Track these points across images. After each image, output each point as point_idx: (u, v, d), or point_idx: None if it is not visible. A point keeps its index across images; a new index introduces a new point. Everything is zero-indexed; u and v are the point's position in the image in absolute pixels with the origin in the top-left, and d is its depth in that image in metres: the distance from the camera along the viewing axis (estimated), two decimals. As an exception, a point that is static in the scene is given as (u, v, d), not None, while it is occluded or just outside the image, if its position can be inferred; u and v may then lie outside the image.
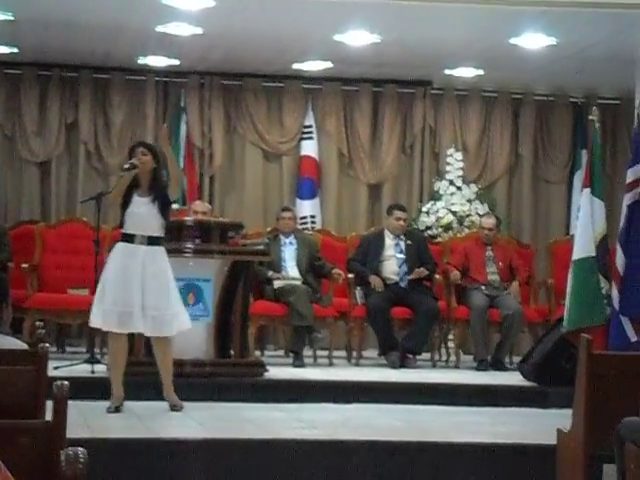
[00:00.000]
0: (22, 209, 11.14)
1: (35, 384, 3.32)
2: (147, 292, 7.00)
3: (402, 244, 9.84)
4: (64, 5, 8.84)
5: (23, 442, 1.88)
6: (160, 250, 7.14)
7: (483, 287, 9.80)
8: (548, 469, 5.67)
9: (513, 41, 9.55)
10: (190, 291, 8.15)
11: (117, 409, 7.07)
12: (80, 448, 2.09)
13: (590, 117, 8.06)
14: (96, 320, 7.10)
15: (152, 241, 7.09)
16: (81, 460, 2.04)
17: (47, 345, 3.95)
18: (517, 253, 10.27)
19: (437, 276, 9.85)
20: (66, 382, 2.83)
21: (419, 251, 9.84)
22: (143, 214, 7.05)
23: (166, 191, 7.19)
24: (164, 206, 7.12)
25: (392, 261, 9.77)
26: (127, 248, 7.08)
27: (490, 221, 10.12)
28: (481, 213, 11.23)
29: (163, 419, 7.01)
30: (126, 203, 7.10)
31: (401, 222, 9.89)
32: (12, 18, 9.27)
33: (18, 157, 11.20)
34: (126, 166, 7.14)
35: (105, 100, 11.31)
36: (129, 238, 7.09)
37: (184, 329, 7.20)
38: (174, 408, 7.17)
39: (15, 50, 10.58)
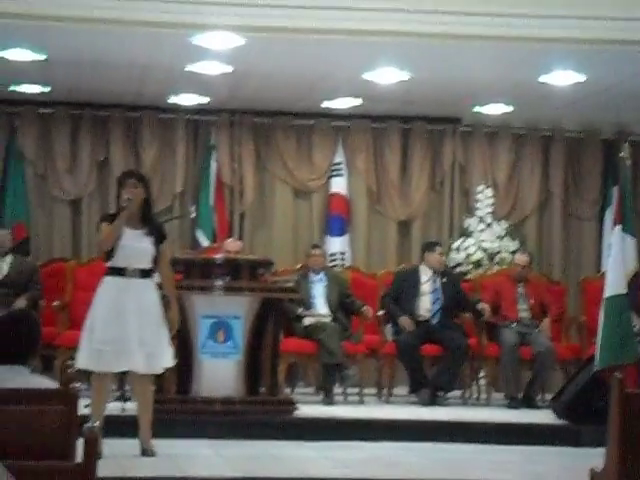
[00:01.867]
0: (54, 247, 11.21)
1: (66, 424, 3.31)
2: (144, 326, 6.71)
3: (438, 281, 9.82)
4: (95, 45, 8.93)
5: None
6: (152, 283, 6.87)
7: (514, 324, 9.75)
8: (581, 509, 5.61)
9: (542, 78, 9.56)
10: (220, 328, 8.16)
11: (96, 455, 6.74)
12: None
13: (621, 154, 8.03)
14: (85, 361, 6.72)
15: (144, 274, 6.82)
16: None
17: (78, 385, 3.95)
18: (548, 290, 10.23)
19: (467, 314, 9.83)
20: (97, 423, 2.83)
21: (454, 289, 9.82)
22: (137, 247, 6.76)
23: (160, 224, 7.06)
24: (160, 240, 6.86)
25: (427, 297, 9.75)
26: (118, 282, 6.77)
27: (524, 258, 10.09)
28: (511, 250, 11.21)
29: (193, 458, 7.00)
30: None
31: (443, 258, 9.90)
32: (45, 58, 9.37)
33: (50, 195, 11.29)
34: (124, 204, 6.79)
35: (136, 138, 11.40)
36: (120, 271, 6.77)
37: (169, 366, 6.96)
38: (146, 452, 6.79)
39: (47, 89, 10.70)
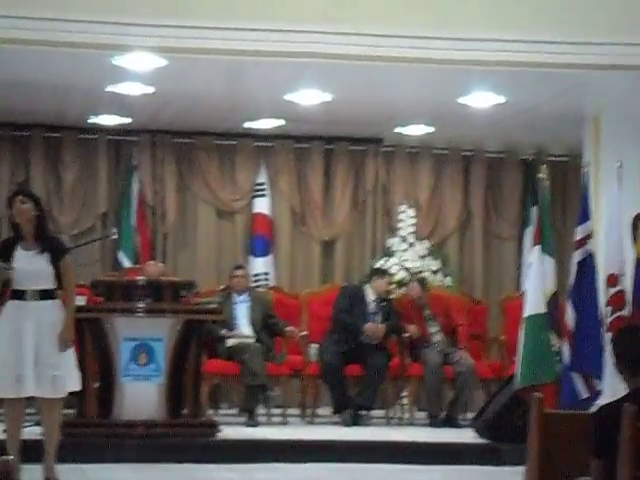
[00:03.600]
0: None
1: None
2: (43, 350, 6.56)
3: (379, 305, 9.89)
4: (14, 65, 8.83)
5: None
6: (54, 304, 6.69)
7: (437, 344, 9.84)
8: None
9: (461, 100, 9.66)
10: (142, 351, 8.11)
11: None
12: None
13: (539, 175, 8.14)
14: None
15: (44, 295, 6.66)
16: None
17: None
18: (454, 305, 10.29)
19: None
20: (12, 457, 2.78)
21: (391, 313, 9.89)
22: (32, 268, 6.62)
23: (56, 239, 6.93)
24: (57, 255, 6.67)
25: (375, 319, 9.80)
26: (18, 305, 6.61)
27: (415, 289, 10.13)
28: (433, 269, 11.30)
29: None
30: (8, 257, 6.63)
31: (390, 287, 10.09)
32: (-37, 78, 9.25)
33: (-33, 217, 11.11)
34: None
35: (57, 159, 11.28)
36: (20, 294, 6.62)
37: (75, 390, 6.81)
38: None
39: (-34, 109, 10.56)
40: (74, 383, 6.73)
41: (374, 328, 9.67)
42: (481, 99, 9.67)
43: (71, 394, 7.00)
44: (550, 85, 9.14)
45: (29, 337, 6.56)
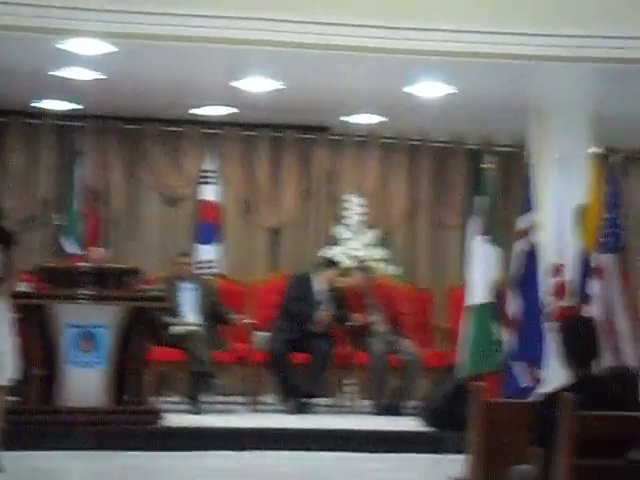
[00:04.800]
0: None
1: None
2: None
3: (326, 294, 9.89)
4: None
5: None
6: (3, 291, 6.71)
7: (380, 333, 9.89)
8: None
9: (407, 89, 9.68)
10: (85, 338, 8.07)
11: None
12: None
13: (485, 165, 8.19)
14: None
15: None
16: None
17: None
18: (398, 294, 10.32)
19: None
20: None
21: (339, 302, 9.90)
22: None
23: (6, 229, 6.88)
24: (8, 246, 6.69)
25: (322, 308, 9.81)
26: None
27: (357, 279, 10.16)
28: (379, 258, 11.34)
29: (57, 470, 6.89)
30: None
31: (338, 279, 10.04)
32: None
33: None
34: None
35: (1, 143, 11.16)
36: None
37: (15, 378, 6.79)
38: None
39: None
40: (15, 371, 6.67)
41: (324, 317, 9.69)
42: (429, 89, 9.69)
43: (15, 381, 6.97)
44: (497, 76, 9.18)
45: None
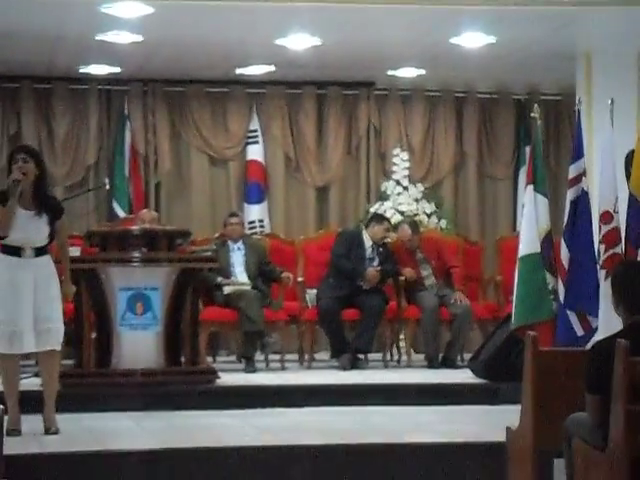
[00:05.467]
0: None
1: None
2: (40, 304, 6.57)
3: (376, 250, 9.87)
4: (4, 15, 8.77)
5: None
6: (48, 260, 6.71)
7: (431, 287, 9.87)
8: (499, 466, 5.70)
9: (453, 40, 9.60)
10: (138, 300, 8.12)
11: (15, 431, 6.56)
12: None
13: (532, 114, 8.10)
14: None
15: (39, 252, 6.63)
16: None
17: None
18: (448, 247, 10.27)
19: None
20: (2, 407, 2.78)
21: (389, 258, 9.88)
22: (29, 226, 6.57)
23: (55, 201, 6.90)
24: (54, 216, 6.68)
25: (372, 264, 9.79)
26: (13, 261, 6.58)
27: (405, 232, 10.09)
28: (428, 212, 11.31)
29: (115, 431, 6.97)
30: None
31: (388, 234, 9.98)
32: (-51, 29, 9.18)
33: (-39, 170, 11.09)
34: (10, 183, 6.56)
35: (48, 110, 11.23)
36: (15, 251, 6.59)
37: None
38: (49, 431, 6.65)
39: (-46, 62, 10.49)
40: (61, 339, 6.73)
41: (374, 273, 9.68)
42: (472, 40, 9.61)
43: (67, 344, 7.06)
44: (541, 23, 9.08)
45: (27, 293, 6.56)
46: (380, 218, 10.21)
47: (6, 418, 6.15)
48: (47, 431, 6.69)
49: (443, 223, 11.32)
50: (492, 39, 9.60)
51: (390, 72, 11.11)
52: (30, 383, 7.39)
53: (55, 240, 6.77)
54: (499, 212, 12.00)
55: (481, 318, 9.88)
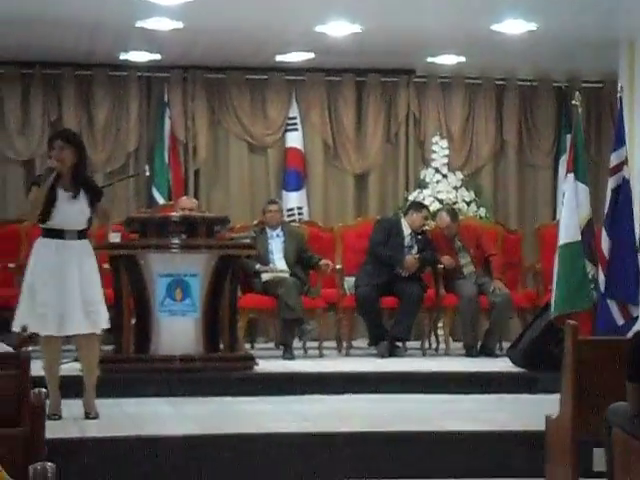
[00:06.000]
0: (7, 208, 11.10)
1: (18, 388, 3.29)
2: (84, 286, 6.62)
3: (414, 237, 9.83)
4: (44, 3, 8.81)
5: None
6: (88, 243, 6.77)
7: (469, 275, 9.83)
8: (538, 455, 5.68)
9: (494, 27, 9.54)
10: (177, 287, 8.14)
11: (56, 416, 6.63)
12: (49, 463, 2.05)
13: (573, 102, 8.05)
14: (30, 325, 6.34)
15: (81, 235, 6.69)
16: (49, 476, 2.00)
17: (30, 349, 3.92)
18: (486, 235, 10.22)
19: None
20: (44, 390, 2.80)
21: (427, 246, 9.85)
22: (70, 209, 6.63)
23: (94, 184, 6.97)
24: (94, 201, 6.73)
25: (411, 252, 9.77)
26: (57, 244, 6.64)
27: (444, 219, 10.03)
28: (467, 200, 11.26)
29: (153, 416, 7.00)
30: (51, 198, 6.64)
31: (427, 221, 9.96)
32: (-8, 17, 9.24)
33: (2, 156, 11.18)
34: (44, 172, 6.67)
35: (88, 96, 11.29)
36: (58, 233, 6.64)
37: (106, 327, 6.86)
38: (89, 416, 6.72)
39: (-4, 49, 10.55)
40: (106, 320, 6.79)
41: (413, 261, 9.65)
42: (512, 26, 9.54)
43: (109, 331, 7.11)
44: (584, 10, 9.00)
45: (73, 276, 6.61)
46: (419, 206, 10.18)
47: (47, 402, 6.20)
48: (87, 416, 6.74)
49: (482, 211, 11.28)
50: (533, 26, 9.53)
51: (430, 59, 11.07)
52: (70, 368, 7.44)
53: (94, 220, 6.82)
54: (539, 201, 11.94)
55: (520, 306, 9.84)
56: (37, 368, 6.08)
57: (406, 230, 9.88)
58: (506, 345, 9.41)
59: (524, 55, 10.71)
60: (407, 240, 9.85)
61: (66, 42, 10.25)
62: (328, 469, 6.20)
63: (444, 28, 9.66)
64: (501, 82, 11.87)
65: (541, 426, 5.64)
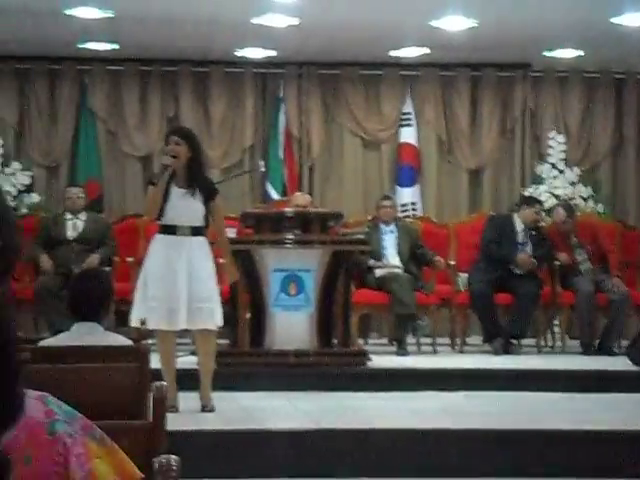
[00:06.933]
0: (126, 203, 11.31)
1: (137, 381, 3.35)
2: (195, 283, 6.65)
3: (528, 233, 9.71)
4: (162, 1, 8.94)
5: (122, 445, 1.89)
6: (203, 240, 6.79)
7: (586, 272, 9.67)
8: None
9: (614, 20, 9.36)
10: (291, 282, 8.18)
11: (172, 409, 6.55)
12: (173, 456, 2.08)
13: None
14: (143, 319, 6.61)
15: (195, 231, 6.72)
16: (174, 469, 2.03)
17: (149, 341, 3.98)
18: (604, 231, 10.03)
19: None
20: (164, 383, 2.84)
21: (542, 241, 9.72)
22: (184, 205, 6.68)
23: (208, 181, 6.98)
24: (209, 196, 6.76)
25: (525, 249, 9.65)
26: (169, 240, 6.71)
27: (560, 214, 9.85)
28: (585, 196, 11.08)
29: (269, 410, 7.05)
30: (165, 194, 6.70)
31: (540, 216, 9.85)
32: (112, 15, 9.41)
33: (121, 152, 11.39)
34: (159, 170, 6.76)
35: (205, 93, 11.43)
36: (171, 229, 6.72)
37: (219, 325, 6.86)
38: (205, 409, 6.77)
39: (116, 46, 10.75)
40: (219, 318, 6.80)
41: (526, 259, 9.53)
42: (634, 19, 9.35)
43: (224, 325, 7.17)
44: None
45: (182, 271, 6.66)
46: (531, 201, 10.03)
47: None
48: (203, 409, 6.80)
49: (600, 207, 11.09)
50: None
51: (547, 53, 10.92)
52: (187, 361, 7.54)
53: (211, 224, 6.86)
54: (659, 197, 11.69)
55: (639, 305, 9.64)
56: (155, 361, 6.17)
57: (519, 226, 9.75)
58: (624, 343, 9.24)
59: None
60: (520, 237, 9.72)
61: (183, 40, 10.39)
62: (441, 466, 6.17)
63: (561, 21, 9.53)
64: (620, 76, 11.65)
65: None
